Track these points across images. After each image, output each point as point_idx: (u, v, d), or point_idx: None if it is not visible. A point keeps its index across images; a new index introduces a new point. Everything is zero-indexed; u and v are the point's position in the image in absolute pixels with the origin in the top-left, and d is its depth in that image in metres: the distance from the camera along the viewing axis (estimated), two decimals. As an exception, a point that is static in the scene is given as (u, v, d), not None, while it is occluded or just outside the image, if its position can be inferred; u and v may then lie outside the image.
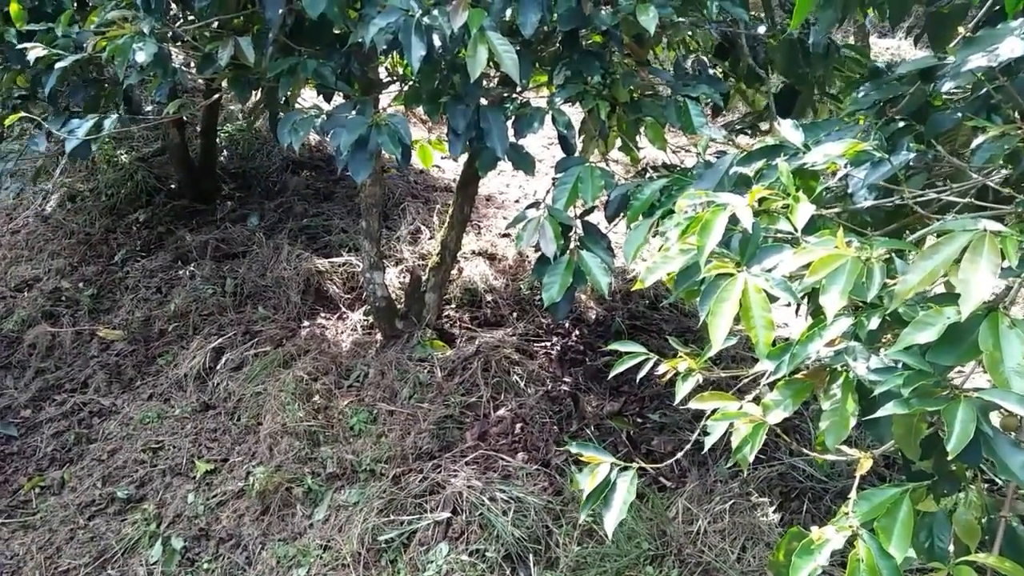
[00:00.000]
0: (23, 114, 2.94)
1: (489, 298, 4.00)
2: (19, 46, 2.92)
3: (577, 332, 3.78)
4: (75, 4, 2.94)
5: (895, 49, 8.05)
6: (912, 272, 1.26)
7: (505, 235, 4.62)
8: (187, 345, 3.85)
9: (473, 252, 4.35)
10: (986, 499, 1.41)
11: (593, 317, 3.88)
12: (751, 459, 1.38)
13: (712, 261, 1.47)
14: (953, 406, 1.16)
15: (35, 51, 2.82)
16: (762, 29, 2.99)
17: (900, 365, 1.34)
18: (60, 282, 4.40)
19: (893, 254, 1.45)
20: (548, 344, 3.68)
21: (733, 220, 1.50)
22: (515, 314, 3.92)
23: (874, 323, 1.37)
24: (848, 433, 1.40)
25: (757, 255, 1.49)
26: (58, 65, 2.78)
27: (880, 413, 1.23)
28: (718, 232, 1.45)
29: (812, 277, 1.29)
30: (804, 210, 1.51)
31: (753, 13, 3.01)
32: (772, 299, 1.44)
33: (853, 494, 1.30)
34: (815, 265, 1.28)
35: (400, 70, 3.67)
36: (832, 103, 3.05)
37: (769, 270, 1.47)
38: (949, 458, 1.12)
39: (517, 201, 5.22)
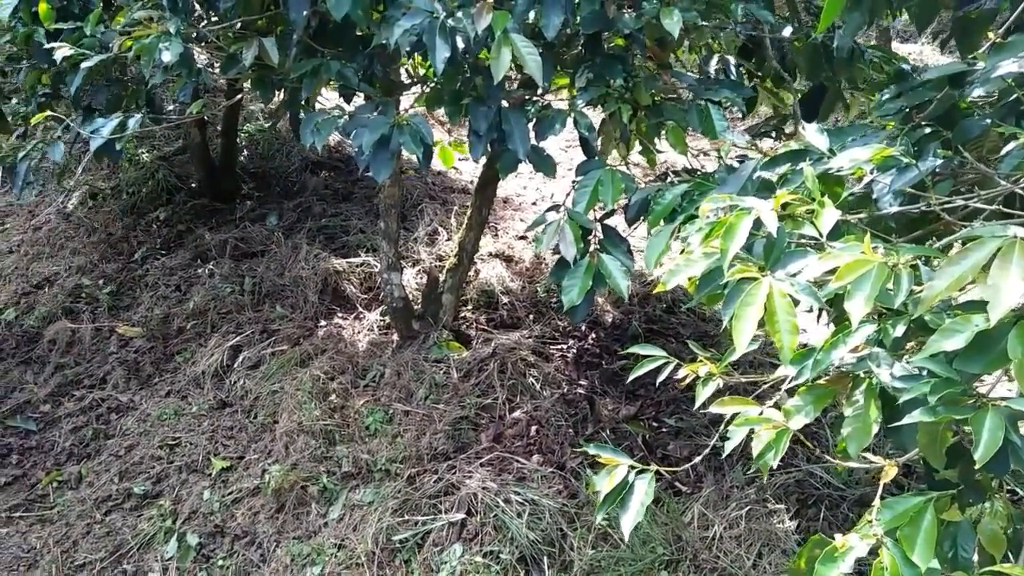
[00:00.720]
0: (49, 113, 2.96)
1: (505, 300, 4.00)
2: (46, 45, 2.95)
3: (593, 335, 3.77)
4: (102, 4, 2.96)
5: (917, 54, 7.99)
6: (939, 278, 1.24)
7: (522, 237, 4.62)
8: (205, 343, 3.88)
9: (490, 254, 4.35)
10: (1012, 509, 1.39)
11: (610, 320, 3.87)
12: (774, 465, 1.37)
13: (735, 265, 1.46)
14: (981, 415, 1.15)
15: (62, 50, 2.84)
16: (787, 31, 2.97)
17: (925, 372, 1.33)
18: (80, 279, 4.44)
19: (919, 260, 1.44)
20: (564, 347, 3.67)
21: (757, 224, 1.49)
22: (531, 316, 3.92)
23: (899, 330, 1.36)
24: (871, 440, 1.39)
25: (782, 260, 1.48)
26: (84, 64, 2.80)
27: (906, 420, 1.21)
28: (742, 236, 1.44)
29: (838, 282, 1.27)
30: (829, 215, 1.50)
31: (778, 15, 2.99)
32: (794, 303, 1.43)
33: (876, 502, 1.29)
34: (841, 271, 1.27)
35: (421, 71, 3.68)
36: (864, 96, 3.02)
37: (794, 275, 1.46)
38: (976, 467, 1.10)
39: (534, 203, 5.22)
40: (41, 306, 4.28)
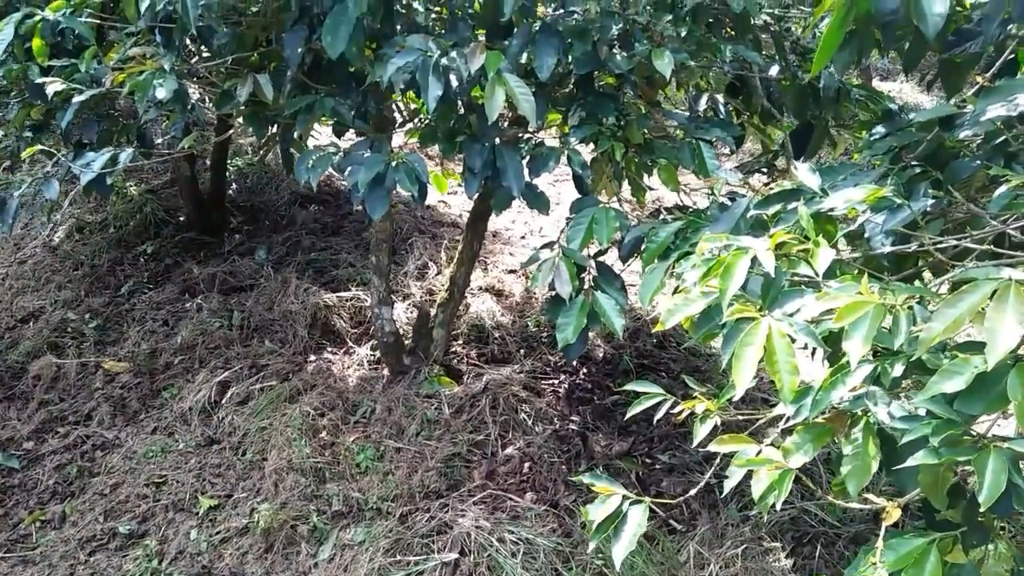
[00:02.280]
0: (40, 147, 2.96)
1: (496, 334, 3.99)
2: (38, 80, 2.96)
3: (585, 370, 3.77)
4: (96, 40, 2.97)
5: (897, 92, 8.15)
6: (937, 320, 1.26)
7: (512, 271, 4.63)
8: (193, 378, 3.84)
9: (480, 288, 4.35)
10: (1016, 551, 1.39)
11: (601, 355, 3.87)
12: (778, 506, 1.37)
13: (734, 304, 1.47)
14: (983, 457, 1.16)
15: (54, 85, 2.85)
16: (775, 70, 3.02)
17: (924, 413, 1.33)
18: (66, 313, 4.39)
19: (914, 300, 1.45)
20: (556, 382, 3.67)
21: (753, 263, 1.51)
22: (522, 351, 3.91)
23: (898, 370, 1.37)
24: (870, 479, 1.39)
25: (779, 299, 1.49)
26: (76, 99, 2.81)
27: (910, 463, 1.22)
28: (740, 276, 1.45)
29: (837, 323, 1.28)
30: (825, 255, 1.52)
31: (764, 54, 3.05)
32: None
33: (880, 543, 1.28)
34: (841, 312, 1.28)
35: (413, 106, 3.71)
36: (850, 135, 3.07)
37: (791, 314, 1.47)
38: (981, 509, 1.10)
39: (523, 237, 5.24)
40: (26, 341, 4.23)
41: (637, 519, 1.57)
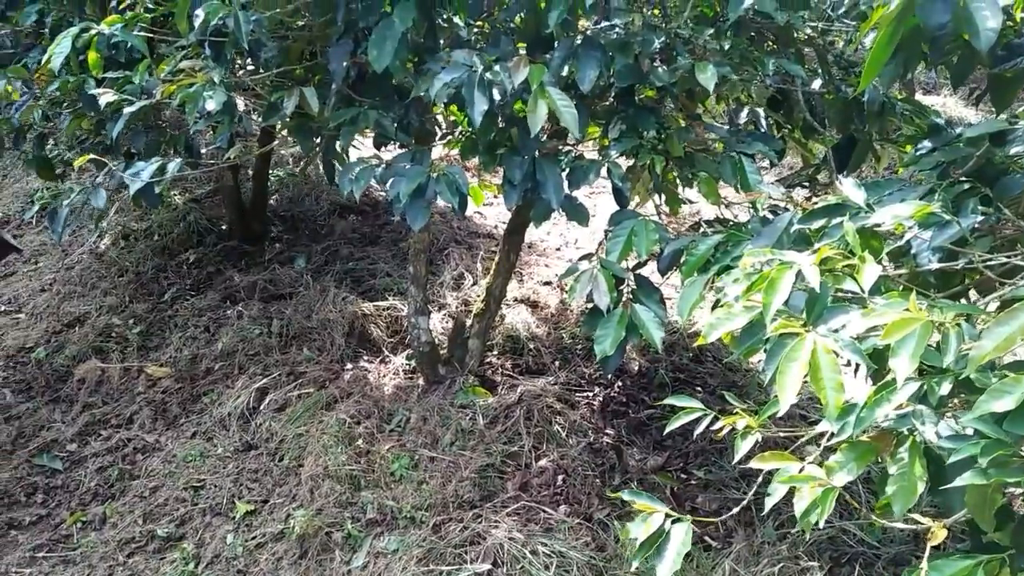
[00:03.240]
0: (92, 156, 3.04)
1: (531, 346, 3.99)
2: (91, 91, 3.05)
3: (620, 383, 3.75)
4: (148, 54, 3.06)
5: (940, 105, 8.01)
6: (987, 338, 1.24)
7: (547, 283, 4.63)
8: (232, 384, 3.90)
9: (515, 299, 4.36)
10: (1067, 576, 1.35)
11: (636, 368, 3.85)
12: (821, 524, 1.35)
13: (778, 319, 1.46)
14: (1036, 478, 1.13)
15: (106, 96, 2.94)
16: (817, 83, 3.00)
17: (971, 432, 1.31)
18: (111, 319, 4.50)
19: (961, 318, 1.43)
20: (590, 394, 3.66)
21: (798, 278, 1.50)
22: (557, 363, 3.91)
23: (945, 388, 1.35)
24: (916, 499, 1.36)
25: (824, 315, 1.48)
26: (126, 110, 2.89)
27: (958, 483, 1.20)
28: (785, 290, 1.44)
29: (885, 340, 1.27)
30: (871, 271, 1.50)
31: (807, 67, 3.03)
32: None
33: (924, 564, 1.26)
34: (889, 328, 1.26)
35: (452, 118, 3.75)
36: (895, 149, 3.03)
37: (836, 330, 1.46)
38: (1034, 532, 1.08)
39: (558, 249, 5.25)
40: (72, 345, 4.33)
41: (680, 538, 1.56)
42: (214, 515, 3.27)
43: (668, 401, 1.90)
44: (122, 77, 2.96)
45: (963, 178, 1.87)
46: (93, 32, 2.86)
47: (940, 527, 1.31)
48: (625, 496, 1.67)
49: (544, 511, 2.95)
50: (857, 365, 1.75)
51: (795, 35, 2.93)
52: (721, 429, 1.74)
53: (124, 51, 3.01)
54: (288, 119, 2.87)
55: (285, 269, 4.69)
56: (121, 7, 3.02)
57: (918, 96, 7.49)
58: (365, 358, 4.01)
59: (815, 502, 1.37)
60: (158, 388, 4.02)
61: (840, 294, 1.61)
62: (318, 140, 3.06)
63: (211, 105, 2.57)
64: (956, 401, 1.55)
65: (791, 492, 1.51)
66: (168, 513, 3.32)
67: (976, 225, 1.74)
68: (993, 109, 2.18)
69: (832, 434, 1.60)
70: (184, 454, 3.57)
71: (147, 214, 5.21)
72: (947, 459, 1.31)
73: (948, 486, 1.24)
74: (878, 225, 1.71)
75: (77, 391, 4.09)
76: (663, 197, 2.93)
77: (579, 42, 2.52)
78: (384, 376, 3.84)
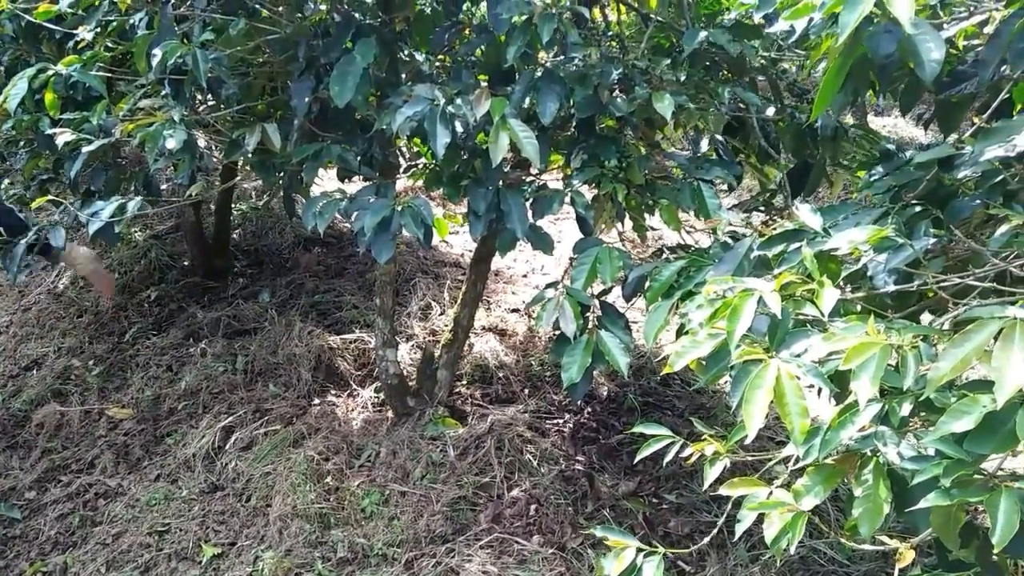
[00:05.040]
0: (50, 197, 3.00)
1: (500, 374, 3.99)
2: (48, 131, 3.01)
3: (589, 409, 3.76)
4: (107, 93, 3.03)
5: (891, 128, 8.26)
6: (944, 359, 1.27)
7: (515, 310, 4.64)
8: (196, 424, 3.82)
9: (483, 328, 4.36)
10: (1031, 591, 1.38)
11: (605, 393, 3.86)
12: (792, 550, 1.36)
13: (741, 346, 1.49)
14: (995, 497, 1.16)
15: (64, 136, 2.90)
16: (771, 111, 3.08)
17: (933, 452, 1.34)
18: (70, 360, 4.40)
19: (919, 339, 1.46)
20: (560, 421, 3.66)
21: (759, 303, 1.52)
22: (526, 391, 3.91)
23: (906, 409, 1.38)
24: (883, 521, 1.39)
25: (786, 340, 1.50)
26: (85, 149, 2.86)
27: (922, 504, 1.22)
28: (748, 317, 1.47)
29: (847, 365, 1.30)
30: (830, 295, 1.53)
31: (761, 94, 3.11)
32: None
33: (895, 586, 1.28)
34: (849, 353, 1.29)
35: (415, 150, 3.77)
36: (847, 174, 3.12)
37: (798, 355, 1.48)
38: (995, 551, 1.10)
39: (525, 276, 5.26)
40: (29, 388, 4.22)
41: (652, 572, 1.56)
42: (180, 560, 3.19)
43: (638, 429, 1.91)
44: (79, 116, 2.92)
45: (915, 201, 1.93)
46: (50, 72, 2.83)
47: (908, 548, 1.33)
48: (598, 533, 1.68)
49: (518, 542, 2.93)
50: (820, 391, 1.79)
51: (748, 64, 3.01)
52: (691, 456, 1.75)
53: (82, 90, 2.98)
54: (250, 155, 2.86)
55: (249, 304, 4.64)
56: (79, 47, 3.00)
57: (870, 119, 7.72)
58: (333, 392, 3.97)
59: (785, 527, 1.38)
60: (120, 430, 3.93)
61: (801, 317, 1.65)
62: (281, 175, 3.05)
63: (171, 144, 2.55)
64: (916, 420, 1.58)
65: (762, 516, 1.53)
66: (132, 560, 3.22)
67: (929, 247, 1.79)
68: (937, 132, 2.26)
69: (798, 457, 1.63)
70: (148, 498, 3.48)
71: (106, 252, 5.12)
72: (911, 480, 1.34)
73: (913, 508, 1.27)
74: (835, 249, 1.75)
75: (35, 436, 3.97)
76: (626, 224, 2.97)
77: (539, 75, 2.56)
78: (352, 410, 3.80)
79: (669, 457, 1.79)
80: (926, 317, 2.11)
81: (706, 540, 1.97)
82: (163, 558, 3.20)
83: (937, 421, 1.29)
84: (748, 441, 1.41)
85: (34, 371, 4.40)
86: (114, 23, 2.97)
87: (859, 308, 1.86)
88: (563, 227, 5.58)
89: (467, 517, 3.09)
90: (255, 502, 3.34)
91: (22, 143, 3.48)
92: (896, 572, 1.30)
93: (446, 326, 4.03)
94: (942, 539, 1.34)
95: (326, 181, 5.08)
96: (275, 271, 5.06)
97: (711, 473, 1.69)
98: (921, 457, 1.32)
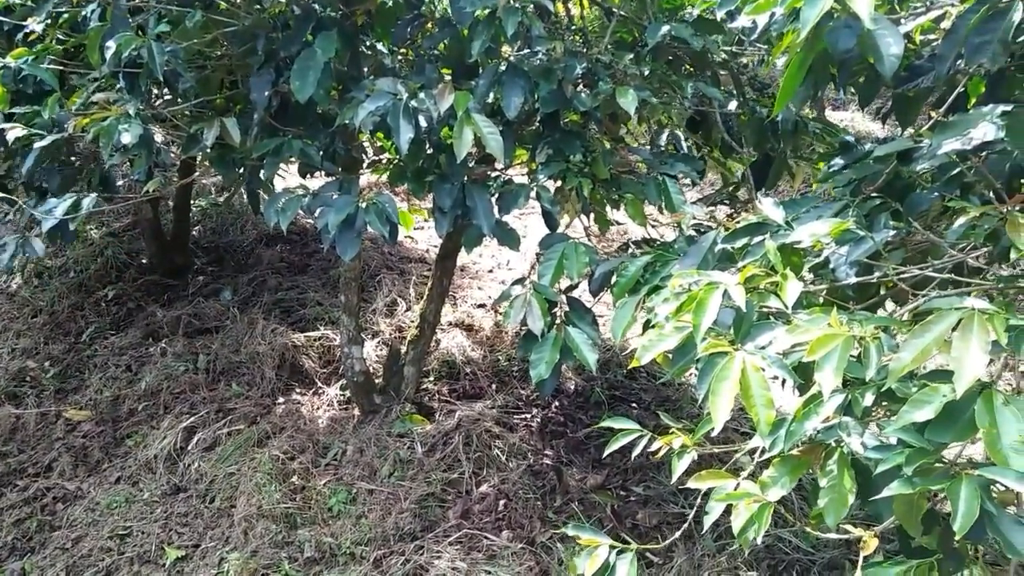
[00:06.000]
0: (2, 195, 2.90)
1: (467, 370, 3.98)
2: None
3: (557, 403, 3.77)
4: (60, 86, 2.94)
5: (849, 121, 8.39)
6: (905, 350, 1.29)
7: (481, 306, 4.63)
8: (157, 425, 3.75)
9: (450, 323, 4.35)
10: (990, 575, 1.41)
11: (573, 388, 3.87)
12: (759, 540, 1.38)
13: (707, 339, 1.49)
14: (956, 484, 1.18)
15: (14, 131, 2.81)
16: (733, 105, 3.10)
17: (896, 441, 1.36)
18: (25, 362, 4.28)
19: (879, 331, 1.49)
20: (528, 416, 3.66)
21: (724, 297, 1.53)
22: (494, 386, 3.90)
23: (868, 399, 1.40)
24: (848, 511, 1.41)
25: (751, 333, 1.52)
26: (37, 145, 2.77)
27: (885, 493, 1.24)
28: (713, 310, 1.48)
29: (810, 357, 1.31)
30: (793, 288, 1.55)
31: (723, 89, 3.13)
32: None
33: (859, 572, 1.30)
34: (813, 345, 1.31)
35: (379, 144, 3.73)
36: (808, 166, 3.16)
37: (763, 347, 1.50)
38: (956, 537, 1.13)
39: (491, 271, 5.25)
40: (-18, 391, 4.10)
41: (625, 569, 1.56)
42: (143, 563, 3.12)
43: (605, 424, 1.91)
44: (31, 111, 2.83)
45: (874, 194, 1.96)
46: (-1, 65, 2.74)
47: (871, 537, 1.35)
48: (570, 532, 1.68)
49: (487, 538, 2.92)
50: (783, 382, 1.81)
51: (710, 59, 3.03)
52: (659, 450, 1.76)
53: (32, 83, 2.89)
54: (209, 150, 2.80)
55: (210, 302, 4.56)
56: (29, 39, 2.91)
57: (827, 113, 7.83)
58: (297, 391, 3.92)
59: (752, 518, 1.40)
60: (78, 432, 3.84)
61: (764, 309, 1.66)
62: (241, 171, 2.99)
63: (127, 138, 2.49)
64: (879, 410, 1.61)
65: (729, 507, 1.54)
66: (93, 564, 3.15)
67: (889, 239, 1.82)
68: (894, 125, 2.30)
69: (764, 449, 1.65)
70: (108, 501, 3.40)
71: (62, 250, 5.00)
72: (874, 469, 1.36)
73: (879, 497, 1.28)
74: (798, 242, 1.77)
75: (-11, 440, 3.86)
76: (591, 218, 2.97)
77: (503, 69, 2.55)
78: (318, 408, 3.76)
79: (637, 451, 1.80)
80: (886, 308, 2.15)
81: (677, 534, 1.98)
82: (125, 562, 3.13)
83: (899, 411, 1.31)
84: (715, 433, 1.42)
85: (-13, 373, 4.27)
86: (65, 15, 2.89)
87: (821, 300, 1.88)
88: (528, 222, 5.58)
89: (436, 514, 3.08)
90: (219, 503, 3.28)
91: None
92: (860, 560, 1.32)
93: (412, 322, 4.00)
94: (905, 526, 1.36)
95: (288, 177, 5.01)
96: (236, 268, 4.98)
97: (679, 466, 1.70)
98: (884, 447, 1.34)
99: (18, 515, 3.45)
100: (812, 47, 1.71)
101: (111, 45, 2.45)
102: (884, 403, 1.49)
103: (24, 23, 2.92)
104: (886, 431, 1.32)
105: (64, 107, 2.87)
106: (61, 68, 2.95)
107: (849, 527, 1.40)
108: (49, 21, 2.89)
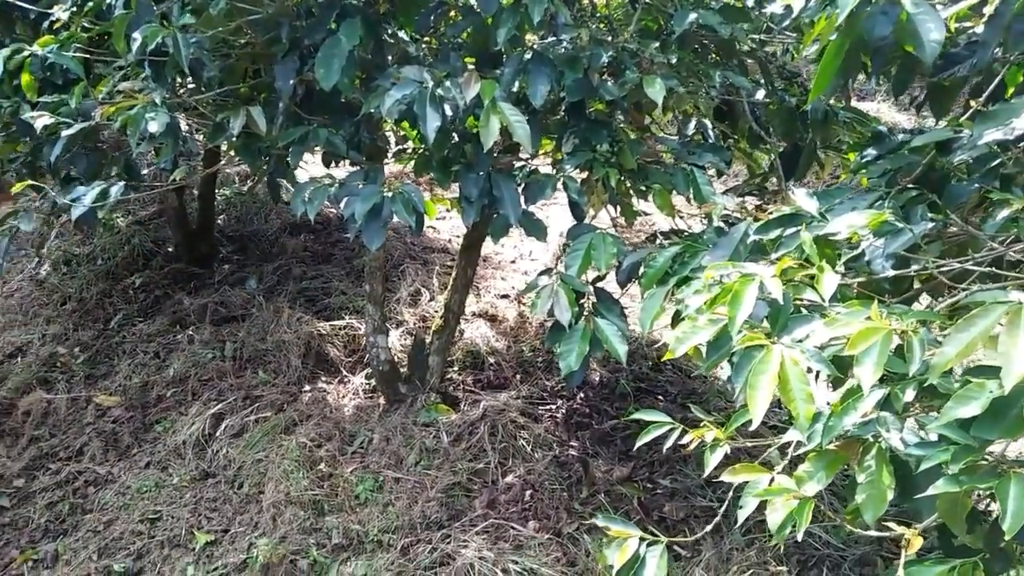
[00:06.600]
0: (30, 182, 2.93)
1: (492, 360, 3.98)
2: (25, 115, 2.93)
3: (582, 394, 3.75)
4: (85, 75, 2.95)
5: (874, 111, 8.24)
6: (949, 344, 1.26)
7: (504, 296, 4.62)
8: (186, 411, 3.79)
9: (474, 314, 4.34)
10: (1036, 576, 1.39)
11: (598, 379, 3.86)
12: (800, 536, 1.36)
13: (743, 332, 1.47)
14: (1005, 483, 1.16)
15: (42, 119, 2.82)
16: (761, 94, 3.05)
17: (936, 438, 1.34)
18: (55, 348, 4.33)
19: (920, 325, 1.46)
20: (553, 407, 3.65)
21: (760, 289, 1.51)
22: (518, 376, 3.90)
23: (910, 395, 1.37)
24: (886, 507, 1.38)
25: (787, 326, 1.49)
26: (64, 133, 2.79)
27: (931, 491, 1.21)
28: (749, 303, 1.45)
29: (852, 350, 1.28)
30: (830, 280, 1.52)
31: (751, 78, 3.08)
32: (803, 370, 1.44)
33: (900, 572, 1.28)
34: (854, 339, 1.28)
35: (402, 133, 3.72)
36: (838, 156, 3.10)
37: (800, 340, 1.47)
38: (1006, 537, 1.10)
39: (513, 261, 5.24)
40: (14, 376, 4.16)
41: (656, 562, 1.55)
42: (173, 547, 3.16)
43: (636, 416, 1.90)
44: (57, 100, 2.85)
45: (910, 185, 1.92)
46: (26, 53, 2.75)
47: (915, 535, 1.32)
48: (599, 522, 1.67)
49: (513, 528, 2.93)
50: (817, 373, 1.78)
51: (738, 47, 2.98)
52: (690, 443, 1.74)
53: (59, 72, 2.91)
54: (235, 139, 2.81)
55: (236, 290, 4.59)
56: (55, 27, 2.92)
57: (854, 102, 7.71)
58: (323, 379, 3.94)
59: (792, 513, 1.38)
60: (108, 418, 3.89)
61: (799, 302, 1.64)
62: (266, 159, 2.99)
63: (153, 127, 2.49)
64: (916, 406, 1.58)
65: (763, 502, 1.52)
66: (124, 547, 3.20)
67: (926, 231, 1.78)
68: (924, 115, 2.25)
69: (798, 443, 1.63)
70: (138, 485, 3.45)
71: (89, 238, 5.05)
72: (913, 465, 1.33)
73: (921, 495, 1.26)
74: (833, 234, 1.74)
75: (22, 424, 3.92)
76: (618, 209, 2.94)
77: (528, 57, 2.52)
78: (343, 397, 3.77)
79: (669, 444, 1.78)
80: (920, 302, 2.11)
81: (708, 528, 1.96)
82: (155, 545, 3.17)
83: (940, 406, 1.28)
84: (753, 427, 1.40)
85: (18, 359, 4.34)
86: (90, 3, 2.89)
87: (855, 293, 1.85)
88: (550, 212, 5.55)
89: (462, 503, 3.08)
90: (247, 489, 3.31)
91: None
92: (903, 557, 1.30)
93: (436, 312, 4.00)
94: (949, 525, 1.34)
95: (310, 166, 5.02)
96: (261, 257, 5.01)
97: (712, 459, 1.68)
98: (926, 443, 1.32)
99: (51, 498, 3.50)
100: (849, 33, 1.67)
101: (137, 36, 2.44)
102: (925, 399, 1.46)
103: (50, 11, 2.93)
104: (929, 427, 1.30)
105: (90, 96, 2.88)
106: (86, 57, 2.96)
107: (892, 524, 1.38)
108: (74, 9, 2.90)
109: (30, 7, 2.97)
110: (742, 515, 1.51)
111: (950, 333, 1.27)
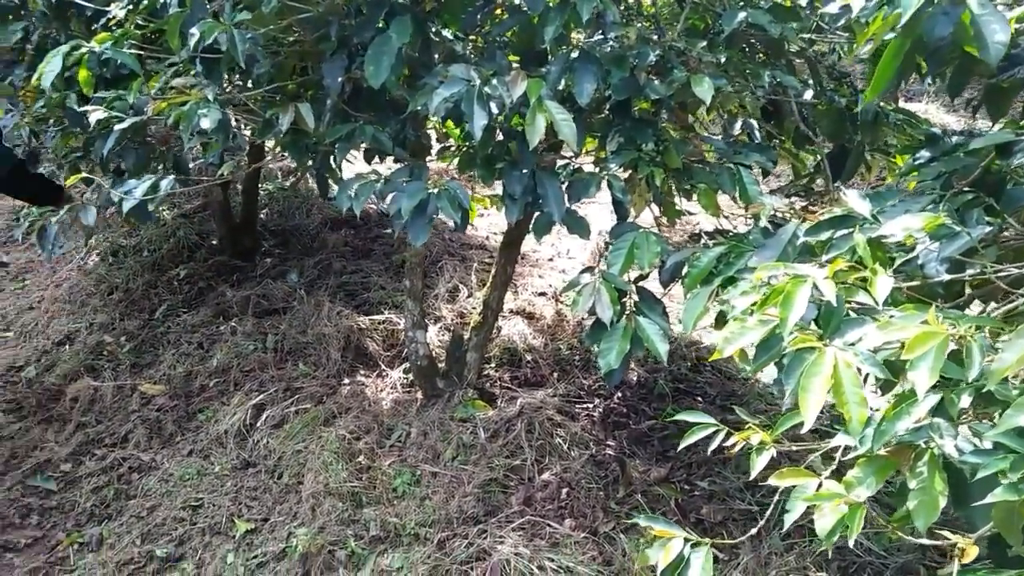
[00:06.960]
0: (84, 175, 3.00)
1: (529, 357, 3.98)
2: (79, 109, 3.01)
3: (620, 394, 3.74)
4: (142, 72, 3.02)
5: (923, 113, 8.10)
6: (1009, 350, 1.24)
7: (542, 294, 4.63)
8: (228, 401, 3.86)
9: (511, 311, 4.35)
10: (1095, 589, 1.36)
11: (635, 379, 3.84)
12: (851, 543, 1.35)
13: (794, 334, 1.46)
14: (1066, 493, 1.13)
15: (96, 114, 2.90)
16: (809, 94, 3.01)
17: (992, 446, 1.31)
18: (102, 336, 4.44)
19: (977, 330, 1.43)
20: (590, 406, 3.64)
21: (813, 290, 1.49)
22: (555, 374, 3.90)
23: (965, 401, 1.35)
24: (938, 515, 1.36)
25: (840, 328, 1.48)
26: (117, 127, 2.86)
27: (988, 499, 1.19)
28: (801, 304, 1.44)
29: (908, 355, 1.27)
30: (884, 283, 1.50)
31: (799, 77, 3.04)
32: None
33: (952, 580, 1.26)
34: (911, 343, 1.26)
35: (444, 130, 3.74)
36: (885, 159, 3.06)
37: (852, 343, 1.46)
38: (1067, 549, 1.08)
39: (551, 259, 5.24)
40: (62, 363, 4.28)
41: (700, 563, 1.54)
42: (213, 534, 3.23)
43: (680, 417, 1.89)
44: (113, 95, 2.92)
45: (966, 188, 1.88)
46: (84, 50, 2.82)
47: (970, 544, 1.30)
48: (641, 522, 1.66)
49: (549, 525, 2.93)
50: (865, 378, 1.75)
51: (786, 46, 2.95)
52: (735, 444, 1.73)
53: (113, 67, 2.98)
54: (283, 135, 2.85)
55: (278, 284, 4.66)
56: (110, 24, 2.99)
57: (901, 103, 7.57)
58: (362, 372, 3.98)
59: (843, 519, 1.36)
60: (152, 406, 3.97)
61: (850, 305, 1.62)
62: (312, 155, 3.03)
63: (206, 123, 2.55)
64: (969, 413, 1.55)
65: (810, 507, 1.50)
66: (166, 533, 3.27)
67: (983, 235, 1.75)
68: (979, 117, 2.20)
69: (846, 448, 1.61)
70: (181, 472, 3.52)
71: (135, 230, 5.16)
72: (968, 473, 1.31)
73: (978, 503, 1.24)
74: (886, 237, 1.71)
75: (70, 410, 4.03)
76: (661, 208, 2.93)
77: (575, 56, 2.52)
78: (382, 390, 3.81)
79: (714, 446, 1.77)
80: (971, 308, 2.07)
81: (753, 531, 1.94)
82: (197, 532, 3.24)
83: (997, 414, 1.26)
84: (805, 429, 1.39)
85: (67, 346, 4.45)
86: (145, 1, 2.96)
87: (904, 297, 1.82)
88: (588, 211, 5.52)
89: (498, 499, 3.10)
90: (287, 479, 3.36)
91: (52, 121, 3.49)
92: (955, 566, 1.28)
93: (474, 308, 4.02)
94: (1004, 534, 1.31)
95: (354, 163, 5.08)
96: (302, 251, 5.07)
97: (758, 463, 1.67)
98: (981, 451, 1.30)
99: (96, 483, 3.59)
100: (910, 33, 1.65)
101: (195, 32, 2.49)
102: (979, 405, 1.44)
103: (106, 8, 3.00)
104: (987, 435, 1.27)
105: (143, 91, 2.94)
106: (139, 53, 3.03)
107: (947, 533, 1.35)
108: (130, 7, 2.96)
109: (87, 4, 3.04)
110: (789, 519, 1.49)
111: (1010, 339, 1.24)
